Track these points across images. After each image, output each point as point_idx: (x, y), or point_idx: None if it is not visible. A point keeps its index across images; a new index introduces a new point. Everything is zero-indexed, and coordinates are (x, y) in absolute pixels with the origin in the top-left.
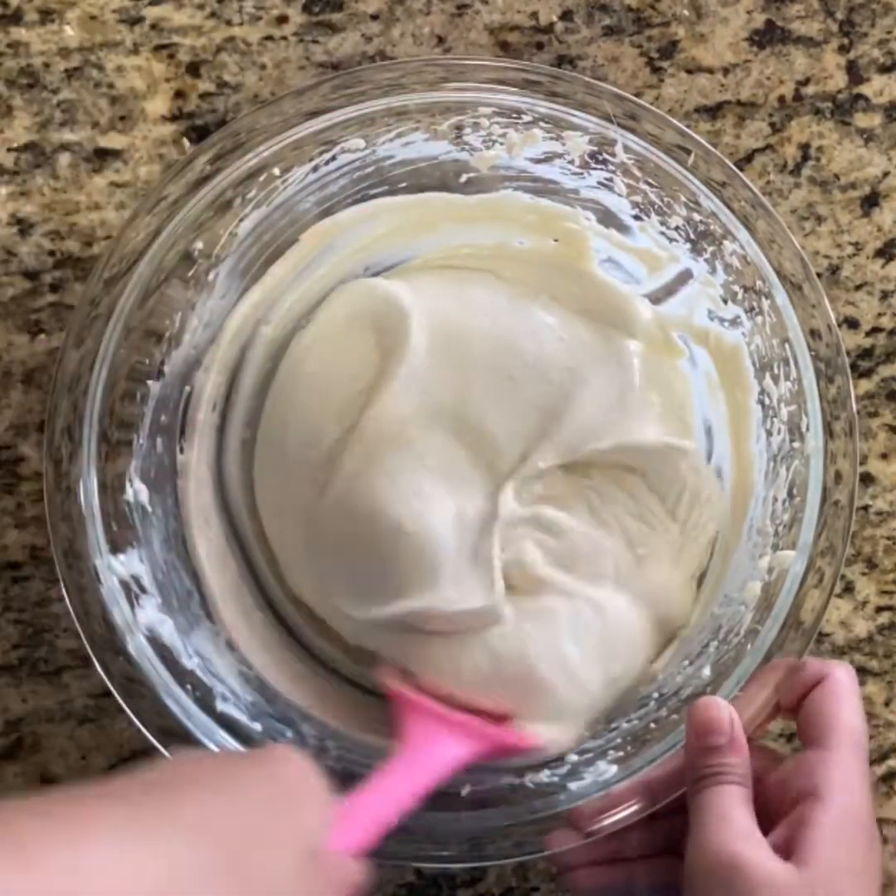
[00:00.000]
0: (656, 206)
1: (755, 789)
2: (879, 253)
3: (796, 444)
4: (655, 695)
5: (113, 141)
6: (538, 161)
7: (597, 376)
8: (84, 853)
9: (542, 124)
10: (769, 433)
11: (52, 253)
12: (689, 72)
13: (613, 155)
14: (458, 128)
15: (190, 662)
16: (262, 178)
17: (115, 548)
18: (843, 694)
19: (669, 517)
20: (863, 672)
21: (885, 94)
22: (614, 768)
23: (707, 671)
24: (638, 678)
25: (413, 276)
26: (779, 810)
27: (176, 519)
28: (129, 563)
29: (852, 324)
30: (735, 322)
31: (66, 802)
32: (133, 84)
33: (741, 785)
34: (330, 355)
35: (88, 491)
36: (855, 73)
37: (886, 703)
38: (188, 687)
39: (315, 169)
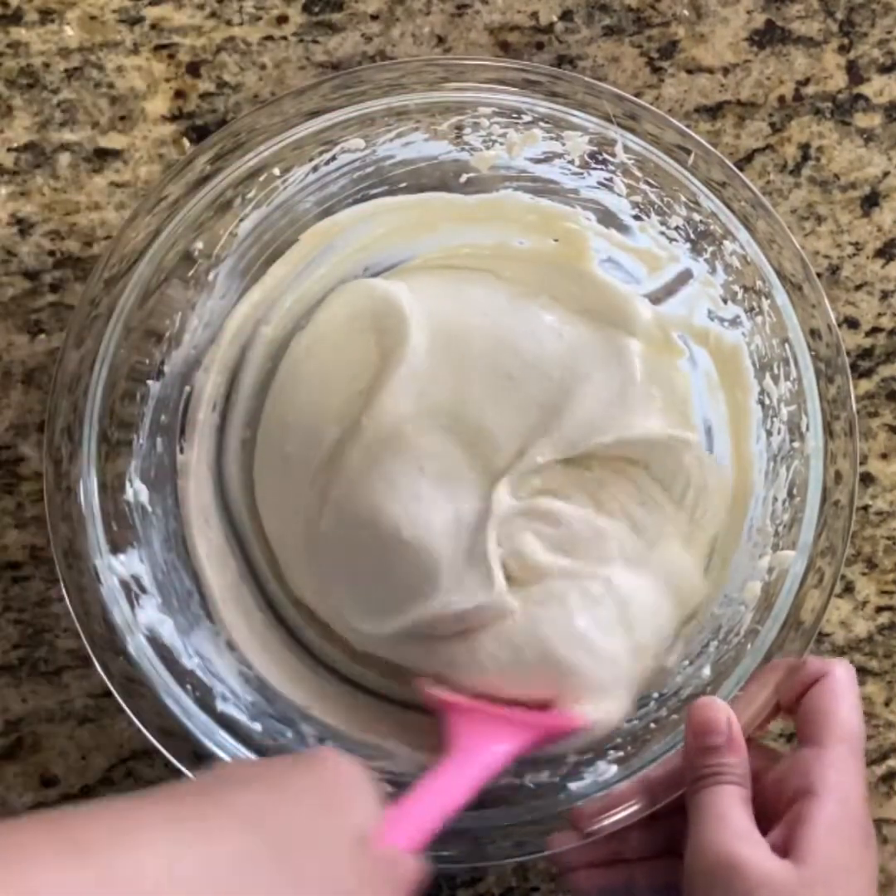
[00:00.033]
0: (656, 206)
1: (754, 788)
2: (879, 253)
3: (796, 444)
4: (655, 695)
5: (113, 141)
6: (538, 161)
7: (597, 373)
8: (140, 844)
9: (542, 124)
10: (769, 433)
11: (52, 253)
12: (689, 72)
13: (613, 155)
14: (458, 128)
15: (190, 662)
16: (262, 178)
17: (115, 548)
18: (841, 691)
19: (676, 506)
20: (863, 672)
21: (885, 94)
22: (614, 768)
23: (707, 671)
24: (668, 648)
25: (413, 276)
26: (777, 809)
27: (176, 519)
28: (129, 563)
29: (852, 324)
30: (735, 322)
31: (120, 803)
32: (133, 84)
33: (739, 785)
34: (329, 355)
35: (88, 491)
36: (855, 73)
37: (886, 703)
38: (188, 687)
39: (315, 169)
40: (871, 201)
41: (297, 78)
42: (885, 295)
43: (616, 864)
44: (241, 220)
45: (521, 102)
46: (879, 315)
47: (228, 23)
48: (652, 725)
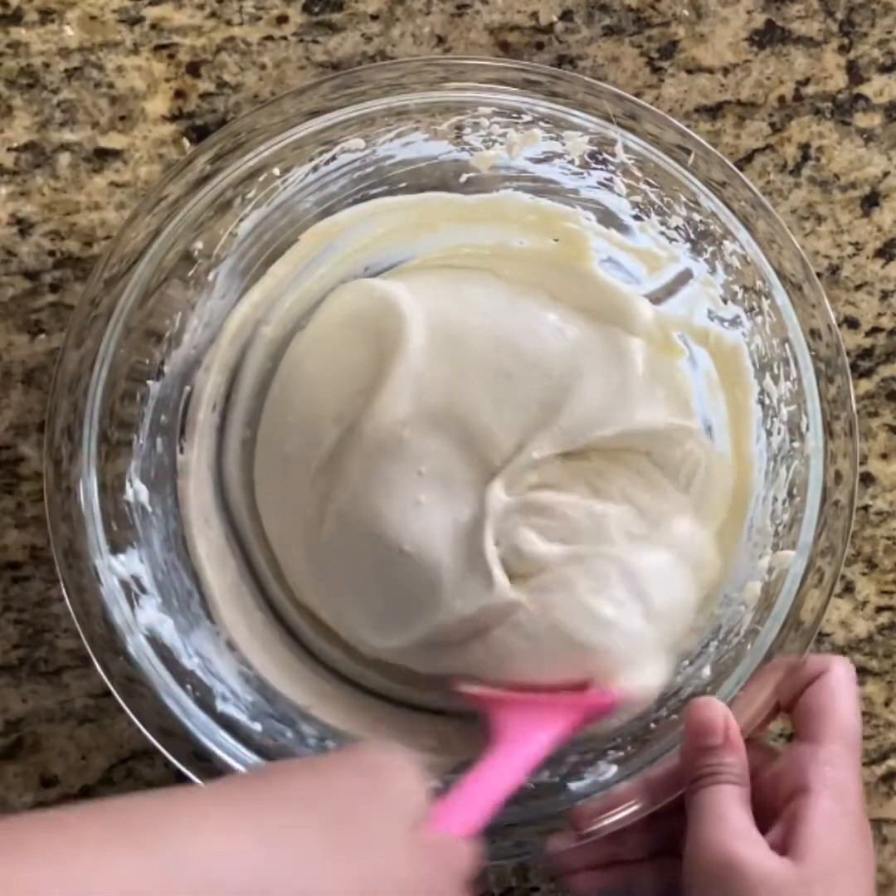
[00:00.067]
0: (656, 206)
1: (752, 785)
2: (879, 253)
3: (796, 444)
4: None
5: (113, 141)
6: (538, 161)
7: (598, 370)
8: (201, 831)
9: (542, 124)
10: (769, 433)
11: (52, 253)
12: (689, 72)
13: (613, 155)
14: (458, 128)
15: (190, 662)
16: (262, 178)
17: (115, 548)
18: (839, 688)
19: (681, 493)
20: (863, 672)
21: (885, 94)
22: (614, 768)
23: (707, 671)
24: (695, 607)
25: (413, 276)
26: (774, 805)
27: (176, 519)
28: (129, 563)
29: (852, 324)
30: (735, 322)
31: (175, 795)
32: (133, 84)
33: (738, 784)
34: (329, 356)
35: (88, 491)
36: (855, 73)
37: (886, 703)
38: (188, 687)
39: (315, 169)
40: (871, 201)
41: (297, 78)
42: (885, 295)
43: (616, 865)
44: (241, 220)
45: (521, 102)
46: (879, 315)
47: (228, 23)
48: (652, 725)
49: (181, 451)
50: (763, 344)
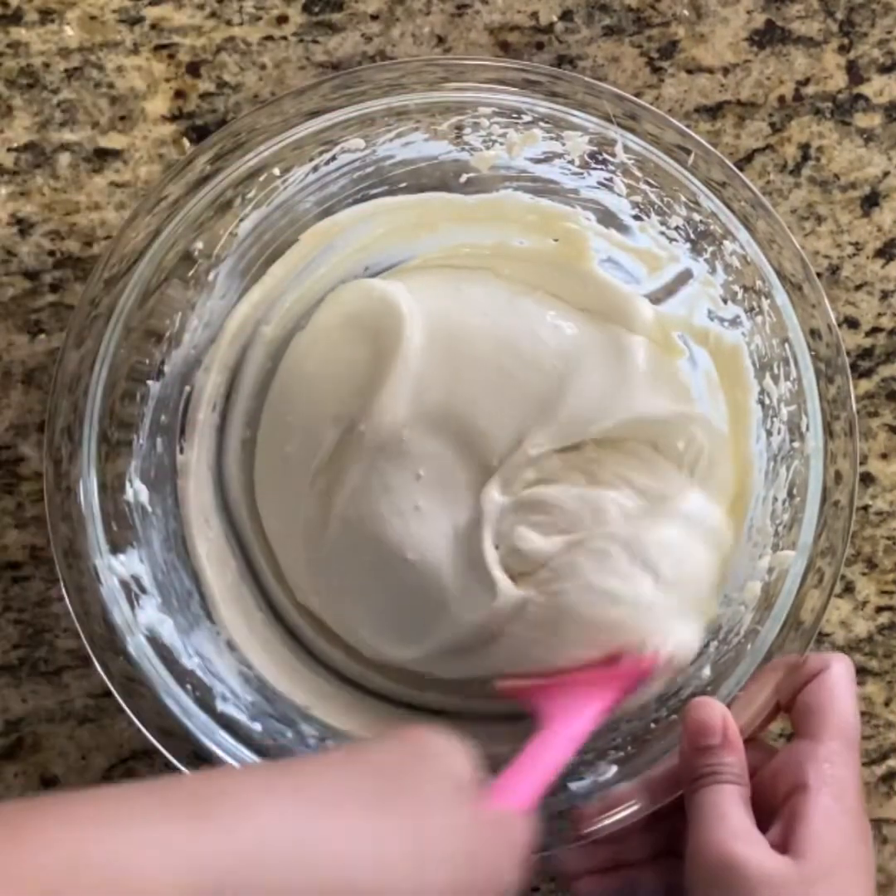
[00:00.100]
0: (656, 206)
1: (751, 783)
2: (879, 253)
3: (796, 444)
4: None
5: (113, 141)
6: (538, 161)
7: (597, 365)
8: (250, 804)
9: (542, 124)
10: (769, 433)
11: (52, 253)
12: (689, 72)
13: (613, 155)
14: (458, 128)
15: (190, 662)
16: (262, 178)
17: (115, 548)
18: (837, 686)
19: (685, 476)
20: (863, 672)
21: (885, 94)
22: (614, 768)
23: (707, 671)
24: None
25: (413, 276)
26: (774, 803)
27: (176, 519)
28: (129, 563)
29: (852, 324)
30: (735, 322)
31: (219, 773)
32: (133, 84)
33: (737, 784)
34: (329, 356)
35: (88, 491)
36: (855, 73)
37: (886, 703)
38: (188, 687)
39: (315, 169)
40: (871, 201)
41: (297, 78)
42: (885, 295)
43: (617, 867)
44: (241, 220)
45: (521, 102)
46: (879, 315)
47: (228, 23)
48: (652, 725)
49: (181, 451)
50: (763, 344)
